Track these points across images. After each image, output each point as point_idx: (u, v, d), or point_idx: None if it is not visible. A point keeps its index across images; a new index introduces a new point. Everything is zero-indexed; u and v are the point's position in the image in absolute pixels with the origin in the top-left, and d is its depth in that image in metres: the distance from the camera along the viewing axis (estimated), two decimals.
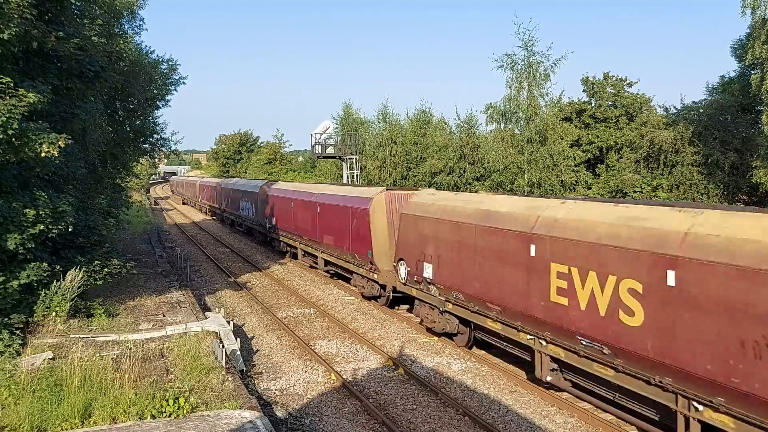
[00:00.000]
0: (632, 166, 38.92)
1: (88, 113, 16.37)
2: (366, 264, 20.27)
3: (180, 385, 10.93)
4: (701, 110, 37.90)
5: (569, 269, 11.04)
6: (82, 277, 14.86)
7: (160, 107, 25.00)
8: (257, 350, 16.26)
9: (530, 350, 12.63)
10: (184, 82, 24.84)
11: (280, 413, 11.93)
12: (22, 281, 13.41)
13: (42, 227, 13.19)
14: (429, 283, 16.20)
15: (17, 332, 13.11)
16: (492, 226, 13.42)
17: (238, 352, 14.06)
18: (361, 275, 21.05)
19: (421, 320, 17.19)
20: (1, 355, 11.94)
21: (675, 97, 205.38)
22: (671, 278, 9.10)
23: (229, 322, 15.71)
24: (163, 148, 27.46)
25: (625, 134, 41.21)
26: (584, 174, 41.03)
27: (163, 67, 23.96)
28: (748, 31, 31.78)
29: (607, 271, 10.21)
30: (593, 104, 44.05)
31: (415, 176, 48.61)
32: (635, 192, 37.43)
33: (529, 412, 11.96)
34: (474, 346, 15.74)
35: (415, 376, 13.85)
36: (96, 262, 16.07)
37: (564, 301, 11.18)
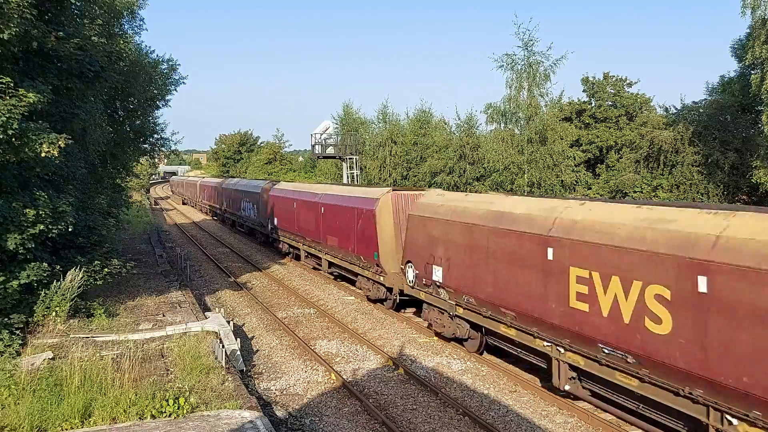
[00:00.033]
0: (632, 166, 38.93)
1: (88, 113, 16.38)
2: (372, 266, 19.84)
3: (180, 385, 10.93)
4: (701, 110, 37.91)
5: (590, 274, 10.55)
6: (82, 277, 14.86)
7: (160, 107, 25.03)
8: (257, 350, 16.27)
9: (547, 357, 12.18)
10: (184, 82, 24.87)
11: (280, 413, 11.93)
12: (22, 281, 13.41)
13: (42, 227, 13.20)
14: (438, 287, 15.72)
15: (17, 332, 13.12)
16: (506, 228, 12.92)
17: (238, 352, 14.07)
18: (367, 277, 20.59)
19: (429, 324, 16.72)
20: (1, 355, 11.95)
21: (675, 97, 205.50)
22: (703, 284, 8.61)
23: (229, 322, 15.71)
24: (163, 148, 27.47)
25: (625, 134, 41.22)
26: (584, 174, 41.04)
27: (163, 67, 23.98)
28: (748, 31, 31.81)
29: (632, 276, 9.71)
30: (593, 104, 44.06)
31: (415, 176, 48.62)
32: (635, 192, 37.44)
33: (529, 412, 11.97)
34: (484, 352, 15.29)
35: (415, 376, 13.85)
36: (96, 262, 16.07)
37: (584, 307, 10.67)
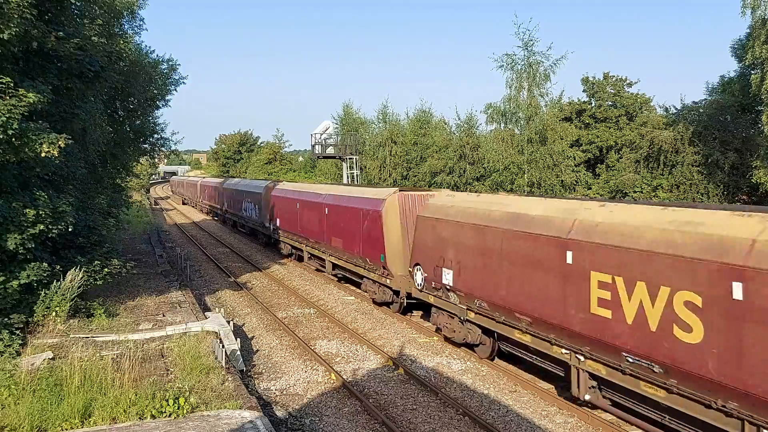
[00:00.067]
0: (632, 166, 38.93)
1: (88, 113, 16.38)
2: (378, 268, 19.38)
3: (180, 385, 10.93)
4: (701, 110, 37.92)
5: (613, 279, 10.05)
6: (82, 277, 14.86)
7: (160, 107, 25.05)
8: (257, 350, 16.27)
9: (564, 365, 11.72)
10: (184, 82, 24.89)
11: (280, 413, 11.93)
12: (22, 281, 13.41)
13: (42, 227, 13.20)
14: (448, 290, 15.22)
15: (17, 332, 13.12)
16: (521, 230, 12.43)
17: (238, 352, 14.07)
18: (373, 280, 20.11)
19: (437, 329, 16.40)
20: (1, 355, 11.95)
21: (675, 97, 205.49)
22: (738, 291, 8.17)
23: (229, 322, 15.71)
24: (163, 148, 27.48)
25: (625, 134, 41.23)
26: (584, 174, 41.04)
27: (163, 67, 23.99)
28: (748, 31, 31.81)
29: (659, 282, 9.24)
30: (593, 104, 44.07)
31: (415, 176, 48.63)
32: (635, 192, 37.44)
33: (529, 412, 11.97)
34: (495, 358, 14.88)
35: (415, 376, 13.85)
36: (96, 262, 16.07)
37: (607, 313, 10.19)
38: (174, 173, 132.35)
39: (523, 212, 12.80)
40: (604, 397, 11.18)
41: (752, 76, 31.77)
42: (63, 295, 14.38)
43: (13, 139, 11.93)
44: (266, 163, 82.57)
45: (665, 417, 9.85)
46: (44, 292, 14.20)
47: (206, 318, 16.24)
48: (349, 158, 44.05)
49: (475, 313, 14.30)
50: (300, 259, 29.02)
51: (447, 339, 15.96)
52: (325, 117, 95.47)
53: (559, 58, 36.77)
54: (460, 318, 14.98)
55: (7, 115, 11.53)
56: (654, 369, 9.49)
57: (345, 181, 43.21)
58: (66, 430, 9.38)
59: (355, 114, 57.09)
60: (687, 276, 8.87)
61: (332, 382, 13.74)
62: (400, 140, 50.77)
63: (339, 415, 11.95)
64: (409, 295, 18.08)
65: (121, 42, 19.79)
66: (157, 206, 76.57)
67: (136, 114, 24.11)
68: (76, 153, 16.58)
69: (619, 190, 38.32)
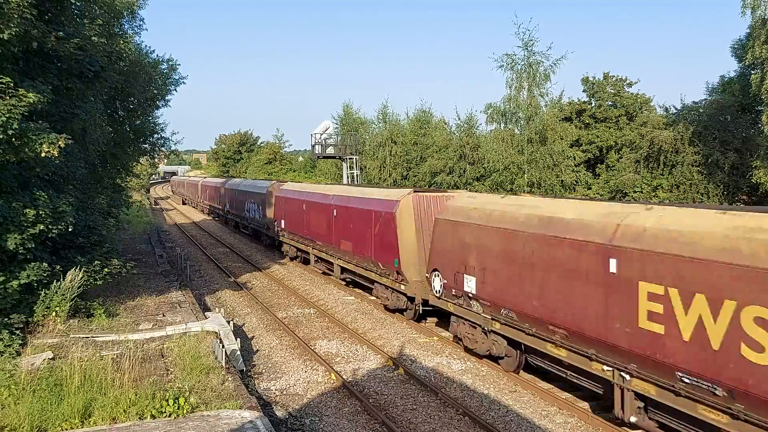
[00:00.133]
0: (632, 166, 38.94)
1: (88, 113, 16.39)
2: (391, 273, 18.46)
3: (180, 385, 10.94)
4: (701, 110, 37.93)
5: (666, 290, 9.17)
6: (82, 277, 14.87)
7: (160, 107, 25.09)
8: (257, 350, 16.27)
9: (606, 383, 10.84)
10: (184, 82, 24.91)
11: (280, 413, 11.93)
12: (22, 281, 13.42)
13: (42, 227, 13.21)
14: (470, 298, 14.30)
15: (17, 332, 13.12)
16: (555, 235, 11.49)
17: (238, 352, 14.07)
18: (385, 286, 19.19)
19: (454, 337, 15.70)
20: (1, 355, 11.96)
21: (675, 97, 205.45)
22: None
23: (229, 322, 15.71)
24: (163, 148, 27.49)
25: (625, 134, 41.24)
26: (584, 174, 41.06)
27: (163, 67, 24.01)
28: (748, 31, 31.82)
29: (722, 295, 8.36)
30: (593, 104, 44.08)
31: (415, 176, 48.64)
32: (635, 192, 37.45)
33: (529, 412, 11.96)
34: (520, 371, 14.00)
35: (415, 376, 13.85)
36: (96, 262, 16.08)
37: (658, 328, 9.31)
38: (174, 173, 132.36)
39: (557, 215, 11.85)
40: (650, 418, 10.28)
41: (752, 76, 31.78)
42: (63, 295, 14.39)
43: (13, 139, 11.94)
44: (266, 163, 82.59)
45: None
46: (44, 292, 14.21)
47: (206, 318, 16.25)
48: (349, 158, 44.05)
49: (501, 324, 13.37)
50: (306, 261, 28.33)
51: (468, 350, 15.17)
52: (325, 117, 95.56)
53: (559, 58, 36.82)
54: (483, 328, 14.09)
55: (7, 115, 11.54)
56: (716, 392, 8.60)
57: (345, 181, 43.21)
58: (66, 430, 9.39)
59: (355, 114, 57.18)
60: (758, 289, 7.98)
61: (332, 382, 13.74)
62: (400, 140, 50.79)
63: (339, 415, 11.95)
64: (425, 302, 17.25)
65: (121, 42, 19.80)
66: (157, 206, 76.59)
67: (136, 114, 24.12)
68: (76, 153, 16.59)
69: (619, 190, 38.33)
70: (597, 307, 10.48)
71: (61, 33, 13.69)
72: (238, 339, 14.78)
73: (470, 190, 38.85)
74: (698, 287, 8.73)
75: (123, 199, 29.83)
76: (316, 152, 45.74)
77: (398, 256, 17.79)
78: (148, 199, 75.76)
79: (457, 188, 41.05)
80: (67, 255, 15.81)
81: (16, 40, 12.28)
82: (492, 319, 13.69)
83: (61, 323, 14.21)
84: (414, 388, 13.30)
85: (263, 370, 14.61)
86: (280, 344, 16.75)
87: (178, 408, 9.93)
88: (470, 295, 14.30)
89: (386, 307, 19.48)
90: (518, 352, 13.60)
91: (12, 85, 12.10)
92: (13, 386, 10.33)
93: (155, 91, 23.69)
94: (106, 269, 16.27)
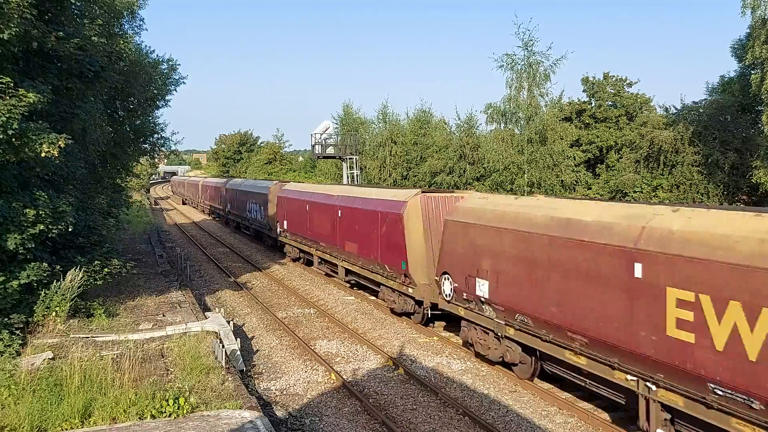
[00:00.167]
0: (632, 166, 38.95)
1: (88, 113, 16.39)
2: (398, 276, 18.01)
3: (180, 385, 10.94)
4: (701, 110, 37.94)
5: (697, 297, 8.73)
6: (82, 277, 14.87)
7: (160, 107, 25.10)
8: (257, 350, 16.27)
9: (629, 393, 10.41)
10: (184, 82, 24.93)
11: (280, 413, 11.94)
12: (22, 281, 13.43)
13: (42, 227, 13.21)
14: (483, 303, 13.87)
15: (17, 332, 13.13)
16: (575, 238, 11.02)
17: (238, 352, 14.07)
18: (392, 288, 18.70)
19: (467, 344, 15.19)
20: (1, 355, 11.96)
21: (675, 97, 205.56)
22: None
23: (229, 322, 15.72)
24: (163, 148, 27.50)
25: (625, 134, 41.25)
26: (584, 174, 41.08)
27: (163, 67, 24.03)
28: (748, 31, 31.82)
29: (760, 303, 7.97)
30: (593, 104, 44.10)
31: (415, 176, 48.66)
32: (635, 192, 37.46)
33: (529, 412, 11.96)
34: (535, 378, 13.54)
35: (415, 376, 13.85)
36: (96, 262, 16.09)
37: (688, 337, 8.87)
38: (174, 173, 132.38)
39: (576, 217, 11.37)
40: (677, 431, 9.90)
41: (752, 76, 31.78)
42: (63, 295, 14.39)
43: (13, 139, 11.95)
44: (266, 163, 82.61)
45: None
46: (44, 292, 14.21)
47: (206, 318, 16.25)
48: (349, 158, 44.04)
49: (516, 330, 12.92)
50: (309, 263, 28.00)
51: (479, 356, 14.77)
52: (325, 117, 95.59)
53: (559, 58, 36.87)
54: (496, 334, 13.65)
55: (7, 115, 11.54)
56: (752, 405, 8.18)
57: (345, 181, 43.21)
58: (66, 430, 9.39)
59: (355, 114, 57.18)
60: None
61: (332, 382, 13.74)
62: (400, 140, 50.80)
63: (339, 415, 11.95)
64: (433, 306, 16.75)
65: (121, 42, 19.81)
66: (157, 206, 76.60)
67: (136, 114, 24.13)
68: (76, 153, 16.59)
69: (619, 190, 38.35)
70: (620, 313, 10.03)
71: (61, 33, 13.69)
72: (238, 339, 14.78)
73: (470, 190, 38.88)
74: (733, 294, 8.28)
75: (123, 199, 29.84)
76: (316, 152, 45.74)
77: (406, 258, 17.40)
78: (148, 199, 75.77)
79: (457, 188, 41.09)
80: (67, 255, 15.82)
81: (16, 40, 12.29)
82: (506, 324, 13.23)
83: (61, 323, 14.22)
84: (414, 388, 13.30)
85: (263, 370, 14.61)
86: (280, 344, 16.75)
87: (178, 408, 9.93)
88: (482, 299, 13.85)
89: (393, 311, 19.03)
90: (533, 358, 13.14)
91: (12, 85, 12.11)
92: (13, 386, 10.33)
93: (155, 91, 23.71)
94: (106, 269, 16.28)
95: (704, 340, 8.66)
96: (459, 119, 47.07)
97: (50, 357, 12.09)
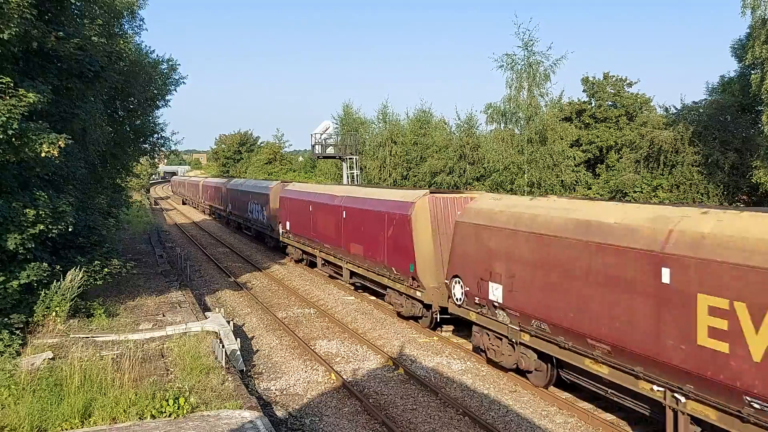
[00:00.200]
0: (632, 166, 38.95)
1: (88, 113, 16.39)
2: (406, 279, 17.65)
3: (180, 385, 10.94)
4: (701, 110, 37.94)
5: (731, 304, 8.30)
6: (82, 277, 14.88)
7: (160, 107, 25.11)
8: (257, 350, 16.27)
9: (653, 403, 9.99)
10: (184, 82, 24.93)
11: (280, 413, 11.94)
12: (22, 281, 13.43)
13: (42, 227, 13.21)
14: (496, 308, 13.45)
15: (17, 332, 13.13)
16: (596, 241, 10.59)
17: (238, 352, 14.07)
18: (399, 292, 18.32)
19: (475, 348, 14.97)
20: (1, 355, 11.96)
21: (675, 97, 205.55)
22: None
23: (229, 322, 15.72)
24: (163, 148, 27.50)
25: (625, 134, 41.26)
26: (584, 174, 41.08)
27: (163, 67, 24.03)
28: (748, 31, 31.80)
29: None
30: (593, 104, 44.10)
31: (415, 176, 48.67)
32: (635, 192, 37.47)
33: (529, 412, 11.96)
34: (550, 386, 13.10)
35: (415, 376, 13.85)
36: (96, 262, 16.09)
37: (721, 346, 8.44)
38: (174, 173, 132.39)
39: (597, 219, 10.95)
40: None
41: (752, 76, 31.78)
42: (63, 295, 14.39)
43: (13, 139, 11.95)
44: (266, 163, 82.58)
45: None
46: (44, 292, 14.21)
47: (206, 318, 16.25)
48: (349, 158, 44.04)
49: (532, 336, 12.49)
50: (312, 264, 27.68)
51: (491, 362, 14.32)
52: (325, 117, 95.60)
53: (559, 58, 36.83)
54: (510, 340, 13.23)
55: (7, 115, 11.54)
56: None
57: (345, 181, 43.22)
58: (66, 430, 9.39)
59: (355, 114, 57.16)
60: None
61: (332, 382, 13.74)
62: (400, 140, 50.80)
63: (339, 415, 11.95)
64: (443, 310, 16.40)
65: (121, 42, 19.82)
66: (157, 206, 76.63)
67: (136, 114, 24.13)
68: (76, 153, 16.59)
69: (619, 190, 38.35)
70: (646, 320, 9.60)
71: (61, 33, 13.69)
72: (238, 339, 14.78)
73: (470, 190, 38.88)
74: None
75: (123, 199, 29.84)
76: (316, 152, 45.73)
77: (414, 260, 17.02)
78: (148, 199, 75.78)
79: (457, 188, 41.10)
80: (67, 255, 15.82)
81: (16, 40, 12.29)
82: (521, 330, 12.79)
83: (61, 323, 14.22)
84: (414, 388, 13.30)
85: (263, 370, 14.61)
86: (280, 344, 16.75)
87: (178, 408, 9.93)
88: (496, 304, 13.43)
89: (399, 314, 18.66)
90: (549, 366, 12.69)
91: (12, 85, 12.11)
92: (13, 386, 10.33)
93: (155, 91, 23.71)
94: (106, 269, 16.29)
95: (740, 350, 8.25)
96: (459, 119, 47.15)
97: (50, 357, 12.09)
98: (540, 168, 36.19)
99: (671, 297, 9.19)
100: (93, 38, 15.31)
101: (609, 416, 11.64)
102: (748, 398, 8.21)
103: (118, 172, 26.19)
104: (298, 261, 29.29)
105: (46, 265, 13.95)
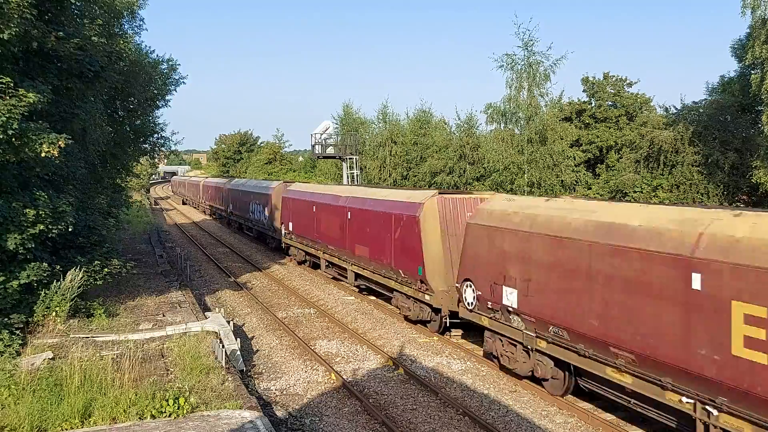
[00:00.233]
0: (632, 166, 38.96)
1: (88, 113, 16.40)
2: (414, 282, 17.21)
3: (180, 385, 10.94)
4: (701, 110, 37.94)
5: None
6: (82, 277, 14.88)
7: (160, 107, 25.12)
8: (257, 350, 16.27)
9: (682, 415, 9.57)
10: (184, 82, 24.94)
11: (280, 413, 11.94)
12: (22, 281, 13.43)
13: (42, 227, 13.21)
14: (510, 313, 13.00)
15: (17, 332, 13.13)
16: (620, 244, 10.16)
17: (238, 352, 14.07)
18: (407, 295, 17.84)
19: (487, 354, 14.59)
20: (1, 355, 11.96)
21: (675, 97, 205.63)
22: None
23: (229, 322, 15.72)
24: (163, 148, 27.51)
25: (625, 134, 41.27)
26: (584, 174, 41.10)
27: (163, 67, 24.05)
28: (748, 31, 31.80)
29: None
30: (593, 104, 44.12)
31: (415, 176, 48.67)
32: (635, 192, 37.47)
33: (529, 412, 11.96)
34: (567, 394, 12.63)
35: (415, 376, 13.85)
36: (96, 262, 16.09)
37: (759, 357, 8.02)
38: (174, 173, 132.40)
39: (619, 221, 10.54)
40: None
41: (752, 76, 31.78)
42: (63, 295, 14.40)
43: (13, 139, 11.95)
44: (266, 163, 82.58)
45: None
46: (44, 292, 14.22)
47: (206, 318, 16.25)
48: (349, 158, 44.04)
49: (549, 343, 12.03)
50: (315, 266, 27.24)
51: (504, 368, 13.88)
52: (325, 117, 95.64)
53: (559, 58, 36.84)
54: (525, 346, 12.77)
55: (7, 115, 11.55)
56: None
57: (345, 181, 43.22)
58: (66, 430, 9.39)
59: (355, 114, 57.18)
60: None
61: (332, 382, 13.74)
62: (400, 140, 50.81)
63: (339, 415, 11.95)
64: (452, 314, 15.96)
65: (121, 42, 19.83)
66: (157, 206, 76.63)
67: (136, 114, 24.14)
68: (76, 153, 16.59)
69: (619, 190, 38.36)
70: (675, 328, 9.18)
71: (61, 33, 13.69)
72: (238, 339, 14.78)
73: (470, 190, 38.89)
74: None
75: (123, 199, 29.85)
76: (316, 152, 45.74)
77: (422, 263, 16.57)
78: (148, 199, 75.78)
79: (457, 188, 41.10)
80: (67, 255, 15.82)
81: (16, 40, 12.29)
82: (537, 336, 12.32)
83: (61, 323, 14.22)
84: (414, 388, 13.30)
85: (263, 370, 14.61)
86: (280, 344, 16.75)
87: (178, 408, 9.93)
88: (510, 309, 12.95)
89: (407, 318, 18.21)
90: (566, 374, 12.24)
91: (12, 85, 12.11)
92: (13, 386, 10.33)
93: (155, 91, 23.72)
94: (106, 269, 16.29)
95: None
96: (459, 119, 47.13)
97: (50, 357, 12.10)
98: (540, 168, 36.20)
99: (702, 304, 8.77)
100: (93, 38, 15.32)
101: (609, 416, 11.64)
102: None
103: (118, 172, 26.19)
104: (301, 262, 28.93)
105: (46, 265, 13.95)
